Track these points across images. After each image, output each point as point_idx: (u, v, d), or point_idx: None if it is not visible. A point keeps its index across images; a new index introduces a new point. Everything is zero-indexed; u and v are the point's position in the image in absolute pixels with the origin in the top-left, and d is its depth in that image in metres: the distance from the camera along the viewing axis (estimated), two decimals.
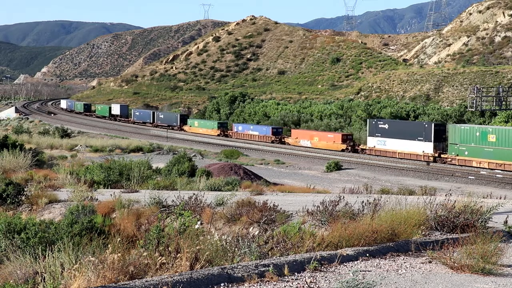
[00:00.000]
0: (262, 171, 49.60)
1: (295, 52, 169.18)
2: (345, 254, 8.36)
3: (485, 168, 48.75)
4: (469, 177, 47.10)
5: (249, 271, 7.14)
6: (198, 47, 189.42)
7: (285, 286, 6.93)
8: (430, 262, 8.50)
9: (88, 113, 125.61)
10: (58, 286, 7.48)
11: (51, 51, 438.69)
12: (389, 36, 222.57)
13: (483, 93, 70.31)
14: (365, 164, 55.50)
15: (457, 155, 51.35)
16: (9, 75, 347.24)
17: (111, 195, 17.51)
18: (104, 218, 14.18)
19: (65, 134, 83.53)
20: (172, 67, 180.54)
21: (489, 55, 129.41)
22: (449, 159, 52.45)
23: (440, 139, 54.57)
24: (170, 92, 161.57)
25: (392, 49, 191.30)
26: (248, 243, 8.65)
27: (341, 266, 7.99)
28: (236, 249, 8.52)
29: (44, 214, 17.20)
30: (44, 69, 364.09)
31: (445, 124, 59.06)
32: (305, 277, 7.30)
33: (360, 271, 7.70)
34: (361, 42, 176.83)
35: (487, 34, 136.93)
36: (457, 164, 51.34)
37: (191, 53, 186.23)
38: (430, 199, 11.69)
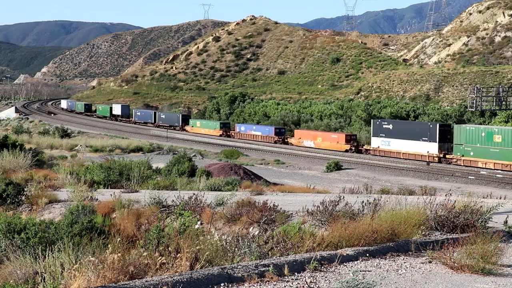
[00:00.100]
0: (262, 171, 49.61)
1: (295, 52, 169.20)
2: (345, 254, 8.37)
3: (491, 169, 48.41)
4: (469, 177, 47.08)
5: (249, 271, 7.14)
6: (198, 47, 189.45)
7: (285, 286, 6.93)
8: (430, 262, 8.50)
9: (88, 113, 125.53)
10: (58, 286, 7.48)
11: (51, 51, 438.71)
12: (389, 36, 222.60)
13: (483, 93, 70.28)
14: (365, 164, 55.49)
15: (463, 156, 51.06)
16: (9, 75, 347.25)
17: (111, 195, 17.51)
18: (104, 218, 14.18)
19: (65, 134, 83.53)
20: (172, 67, 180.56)
21: (489, 55, 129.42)
22: (454, 160, 52.13)
23: (445, 139, 54.11)
24: (170, 92, 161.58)
25: (392, 49, 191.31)
26: (248, 243, 8.65)
27: (341, 266, 7.99)
28: (236, 249, 8.52)
29: (44, 214, 17.20)
30: (44, 69, 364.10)
31: (450, 124, 58.59)
32: (305, 277, 7.30)
33: (360, 271, 7.70)
34: (361, 42, 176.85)
35: (487, 34, 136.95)
36: (462, 164, 51.04)
37: (191, 53, 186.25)
38: (430, 199, 11.69)
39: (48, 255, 8.36)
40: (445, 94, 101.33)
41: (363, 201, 11.89)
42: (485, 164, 48.97)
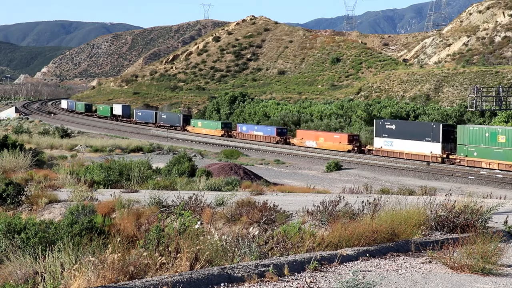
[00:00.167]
0: (262, 171, 49.61)
1: (295, 52, 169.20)
2: (345, 254, 8.37)
3: (495, 170, 48.21)
4: (469, 177, 47.07)
5: (249, 271, 7.14)
6: (198, 47, 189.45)
7: (285, 286, 6.93)
8: (430, 262, 8.50)
9: (89, 113, 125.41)
10: (58, 286, 7.48)
11: (51, 51, 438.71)
12: (389, 36, 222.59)
13: (483, 93, 70.27)
14: (365, 164, 55.48)
15: (466, 156, 50.74)
16: (9, 75, 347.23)
17: (111, 195, 17.51)
18: (104, 218, 14.18)
19: (65, 134, 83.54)
20: (172, 67, 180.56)
21: (489, 55, 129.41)
22: (458, 160, 51.82)
23: (449, 139, 53.83)
24: (170, 92, 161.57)
25: (392, 49, 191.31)
26: (248, 243, 8.65)
27: (341, 266, 7.99)
28: (236, 249, 8.52)
29: (44, 214, 17.20)
30: (44, 69, 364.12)
31: (453, 124, 58.31)
32: (305, 277, 7.30)
33: (360, 271, 7.70)
34: (361, 42, 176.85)
35: (487, 34, 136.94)
36: (466, 165, 50.72)
37: (191, 53, 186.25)
38: (430, 199, 11.69)
39: (48, 255, 8.36)
40: (445, 94, 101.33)
41: (363, 201, 11.89)
42: (489, 164, 48.64)
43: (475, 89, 69.30)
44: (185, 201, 14.41)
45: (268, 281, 7.06)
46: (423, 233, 10.36)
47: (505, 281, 7.64)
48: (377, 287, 6.90)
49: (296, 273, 7.47)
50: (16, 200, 18.16)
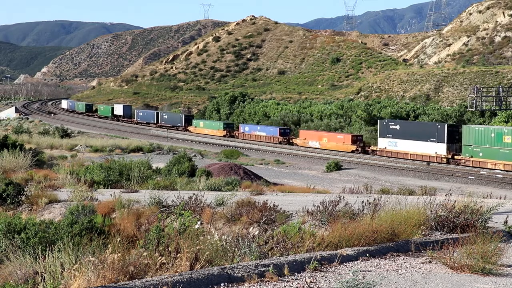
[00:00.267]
0: (262, 171, 49.61)
1: (295, 52, 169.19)
2: (345, 254, 8.36)
3: (501, 170, 47.88)
4: (469, 177, 47.06)
5: (249, 271, 7.14)
6: (198, 47, 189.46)
7: (285, 286, 6.93)
8: (430, 262, 8.50)
9: (90, 114, 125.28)
10: (58, 286, 7.48)
11: (51, 51, 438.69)
12: (389, 36, 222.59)
13: (483, 93, 70.27)
14: (365, 164, 55.46)
15: (471, 157, 50.30)
16: (9, 75, 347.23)
17: (111, 195, 17.51)
18: (104, 218, 14.18)
19: (65, 134, 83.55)
20: (172, 67, 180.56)
21: (489, 55, 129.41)
22: (463, 161, 51.38)
23: (454, 140, 53.36)
24: (170, 92, 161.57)
25: (392, 49, 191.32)
26: (248, 243, 8.65)
27: (341, 266, 7.99)
28: (236, 249, 8.52)
29: (44, 214, 17.20)
30: (44, 69, 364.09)
31: (458, 125, 57.91)
32: (305, 277, 7.30)
33: (360, 271, 7.70)
34: (361, 42, 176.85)
35: (487, 34, 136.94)
36: (471, 165, 50.29)
37: (191, 53, 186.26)
38: (430, 199, 11.69)
39: (48, 255, 8.36)
40: (445, 94, 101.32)
41: (363, 201, 11.89)
42: (495, 165, 48.20)
43: (475, 89, 69.30)
44: (185, 201, 14.41)
45: (268, 281, 7.06)
46: (423, 233, 10.36)
47: (505, 281, 7.64)
48: (377, 287, 6.90)
49: (296, 273, 7.47)
50: (16, 200, 18.16)
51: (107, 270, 7.06)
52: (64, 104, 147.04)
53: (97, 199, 17.62)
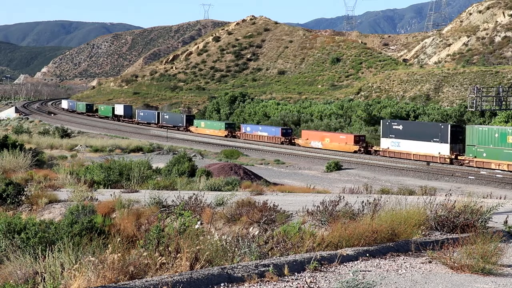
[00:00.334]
0: (262, 171, 49.61)
1: (295, 52, 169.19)
2: (345, 254, 8.36)
3: (505, 171, 47.61)
4: (469, 177, 47.05)
5: (249, 271, 7.14)
6: (198, 47, 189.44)
7: (285, 286, 6.93)
8: (430, 262, 8.50)
9: (90, 114, 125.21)
10: (58, 286, 7.48)
11: (51, 51, 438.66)
12: (389, 36, 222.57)
13: (483, 93, 70.25)
14: (365, 164, 55.46)
15: (475, 157, 50.02)
16: (9, 75, 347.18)
17: (111, 195, 17.51)
18: (104, 218, 14.18)
19: (65, 134, 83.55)
20: (172, 67, 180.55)
21: (489, 55, 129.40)
22: (467, 161, 51.11)
23: (457, 140, 53.03)
24: (170, 92, 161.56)
25: (392, 49, 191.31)
26: (248, 243, 8.65)
27: (341, 266, 7.99)
28: (236, 249, 8.51)
29: (44, 214, 17.20)
30: (44, 69, 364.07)
31: (461, 125, 57.67)
32: (305, 277, 7.30)
33: (360, 271, 7.70)
34: (361, 42, 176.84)
35: (487, 34, 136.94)
36: (475, 166, 50.01)
37: (191, 53, 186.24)
38: (430, 199, 11.69)
39: (48, 255, 8.36)
40: (445, 94, 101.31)
41: (363, 201, 11.89)
42: (499, 165, 47.88)
43: (475, 89, 69.28)
44: (185, 201, 14.41)
45: (268, 281, 7.06)
46: (423, 233, 10.36)
47: (505, 281, 7.64)
48: (377, 287, 6.90)
49: (296, 273, 7.47)
50: (16, 200, 18.15)
51: (107, 270, 7.06)
52: (64, 104, 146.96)
53: (97, 199, 17.62)
